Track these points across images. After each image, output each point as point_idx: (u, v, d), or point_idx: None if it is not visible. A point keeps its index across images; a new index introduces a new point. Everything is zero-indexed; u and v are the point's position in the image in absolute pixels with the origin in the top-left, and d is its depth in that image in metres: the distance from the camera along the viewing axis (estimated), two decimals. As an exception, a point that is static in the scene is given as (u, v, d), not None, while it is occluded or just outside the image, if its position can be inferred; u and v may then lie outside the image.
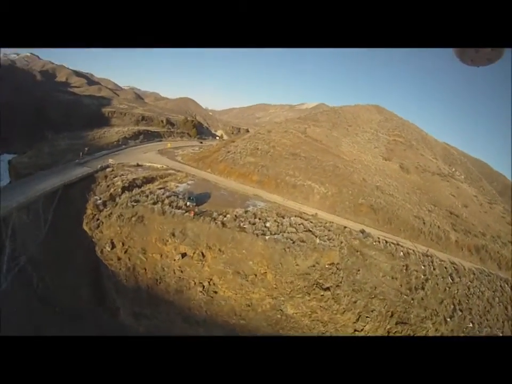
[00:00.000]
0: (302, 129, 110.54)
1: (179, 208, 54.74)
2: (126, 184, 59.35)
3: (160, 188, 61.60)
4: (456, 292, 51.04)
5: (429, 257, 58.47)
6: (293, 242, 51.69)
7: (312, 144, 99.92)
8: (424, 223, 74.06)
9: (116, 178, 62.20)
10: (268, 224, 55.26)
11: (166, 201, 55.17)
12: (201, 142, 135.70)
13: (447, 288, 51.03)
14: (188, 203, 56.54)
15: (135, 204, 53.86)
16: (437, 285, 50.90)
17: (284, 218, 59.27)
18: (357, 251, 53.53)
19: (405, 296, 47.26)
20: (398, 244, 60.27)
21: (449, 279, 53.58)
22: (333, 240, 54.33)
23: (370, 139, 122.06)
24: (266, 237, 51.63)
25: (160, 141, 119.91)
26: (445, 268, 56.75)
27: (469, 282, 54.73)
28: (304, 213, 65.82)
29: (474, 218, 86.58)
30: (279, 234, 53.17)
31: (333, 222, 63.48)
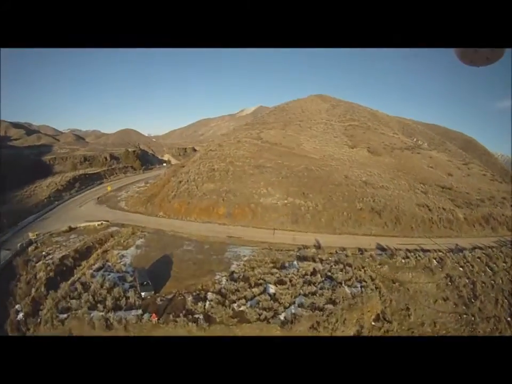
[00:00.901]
0: (255, 135, 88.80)
1: (131, 307, 30.43)
2: (52, 273, 36.04)
3: (99, 269, 37.35)
4: (501, 282, 39.54)
5: (461, 253, 44.64)
6: (321, 311, 30.31)
7: (273, 149, 77.85)
8: (430, 209, 57.74)
9: (39, 264, 38.26)
10: (271, 290, 33.03)
11: (109, 299, 30.96)
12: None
13: (493, 282, 39.16)
14: (143, 294, 32.16)
15: (65, 315, 29.33)
16: (484, 284, 38.74)
17: (287, 268, 37.81)
18: (394, 282, 37.28)
19: (465, 316, 34.37)
20: (423, 250, 45.62)
21: (489, 270, 41.56)
22: (364, 281, 36.37)
23: (326, 130, 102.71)
24: (281, 317, 29.53)
25: (101, 183, 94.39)
26: (479, 258, 43.77)
27: (504, 264, 42.93)
28: (304, 246, 44.99)
29: (464, 186, 72.67)
30: (295, 304, 31.30)
31: (344, 248, 44.48)
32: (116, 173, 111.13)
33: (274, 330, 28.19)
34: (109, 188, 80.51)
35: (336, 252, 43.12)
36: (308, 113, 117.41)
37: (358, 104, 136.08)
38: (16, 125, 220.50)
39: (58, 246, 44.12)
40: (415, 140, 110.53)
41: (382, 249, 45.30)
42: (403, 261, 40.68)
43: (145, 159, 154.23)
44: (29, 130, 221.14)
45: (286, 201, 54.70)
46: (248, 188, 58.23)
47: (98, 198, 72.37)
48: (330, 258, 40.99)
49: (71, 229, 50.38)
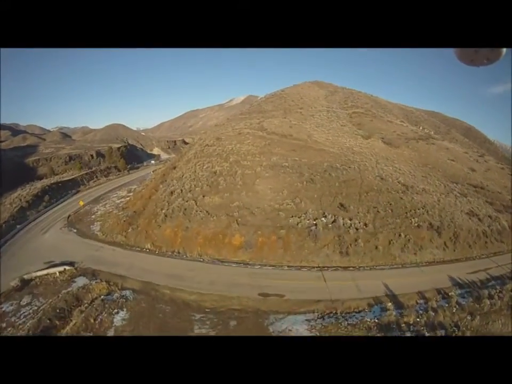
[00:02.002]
0: (256, 125, 67.86)
1: None
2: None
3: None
4: None
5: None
6: None
7: (283, 142, 57.34)
8: (479, 219, 40.32)
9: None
10: None
11: None
12: None
13: None
14: None
15: None
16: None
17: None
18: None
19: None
20: (493, 277, 31.57)
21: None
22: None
23: (330, 117, 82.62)
24: None
25: (78, 191, 72.81)
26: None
27: None
28: (376, 300, 27.57)
29: (492, 183, 54.73)
30: None
31: (423, 295, 28.61)
32: (96, 177, 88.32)
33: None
34: (81, 203, 58.94)
35: (417, 303, 27.07)
36: (307, 100, 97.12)
37: (356, 90, 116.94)
38: (2, 127, 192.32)
39: (5, 325, 25.58)
40: (421, 128, 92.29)
41: (459, 285, 30.28)
42: (488, 302, 27.18)
43: (134, 154, 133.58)
44: (15, 131, 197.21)
45: (324, 219, 35.40)
46: (268, 200, 38.69)
47: (68, 218, 51.96)
48: (417, 319, 24.88)
49: (24, 283, 31.49)
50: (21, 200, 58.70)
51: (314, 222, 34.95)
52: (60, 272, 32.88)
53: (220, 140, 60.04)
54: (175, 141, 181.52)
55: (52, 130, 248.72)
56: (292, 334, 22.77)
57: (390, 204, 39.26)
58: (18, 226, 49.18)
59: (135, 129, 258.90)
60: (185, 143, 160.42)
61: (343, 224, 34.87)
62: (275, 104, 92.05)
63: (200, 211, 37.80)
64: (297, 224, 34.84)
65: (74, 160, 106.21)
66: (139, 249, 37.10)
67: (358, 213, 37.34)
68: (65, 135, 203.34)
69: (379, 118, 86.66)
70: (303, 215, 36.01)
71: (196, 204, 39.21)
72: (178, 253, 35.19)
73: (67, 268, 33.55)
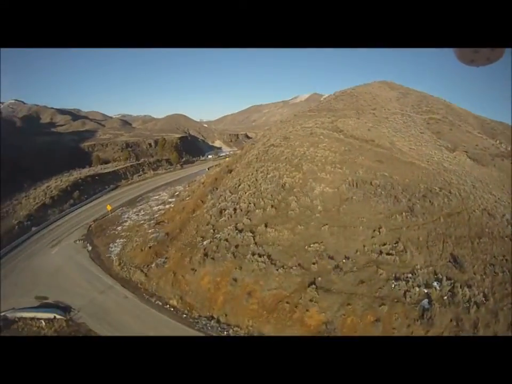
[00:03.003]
0: (329, 125, 52.75)
1: None
2: None
3: None
4: None
5: None
6: None
7: (365, 148, 42.39)
8: None
9: None
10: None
11: None
12: None
13: None
14: None
15: None
16: None
17: None
18: None
19: None
20: None
21: None
22: None
23: (406, 122, 66.45)
24: None
25: (117, 186, 59.74)
26: None
27: None
28: None
29: None
30: None
31: None
32: (143, 170, 72.64)
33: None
34: (109, 207, 45.42)
35: None
36: (380, 101, 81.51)
37: (429, 94, 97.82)
38: (63, 111, 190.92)
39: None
40: (498, 141, 71.99)
41: None
42: None
43: (195, 145, 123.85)
44: (76, 116, 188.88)
45: (438, 286, 20.62)
46: (360, 243, 24.41)
47: (89, 228, 39.76)
48: None
49: (5, 323, 23.99)
50: (46, 194, 47.05)
51: (426, 291, 20.62)
52: (46, 321, 24.04)
53: (288, 139, 45.74)
54: (237, 135, 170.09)
55: (113, 117, 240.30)
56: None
57: (506, 260, 24.18)
58: (34, 228, 38.89)
59: (197, 120, 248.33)
60: (248, 137, 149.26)
61: (462, 297, 20.42)
62: (346, 103, 76.88)
63: (259, 254, 23.65)
64: (404, 294, 20.50)
65: (131, 147, 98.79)
66: (160, 303, 23.96)
67: (475, 274, 22.51)
68: (125, 122, 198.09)
69: (457, 127, 69.83)
70: (410, 275, 21.68)
71: (254, 238, 25.31)
72: (218, 321, 21.72)
73: (58, 316, 24.28)
